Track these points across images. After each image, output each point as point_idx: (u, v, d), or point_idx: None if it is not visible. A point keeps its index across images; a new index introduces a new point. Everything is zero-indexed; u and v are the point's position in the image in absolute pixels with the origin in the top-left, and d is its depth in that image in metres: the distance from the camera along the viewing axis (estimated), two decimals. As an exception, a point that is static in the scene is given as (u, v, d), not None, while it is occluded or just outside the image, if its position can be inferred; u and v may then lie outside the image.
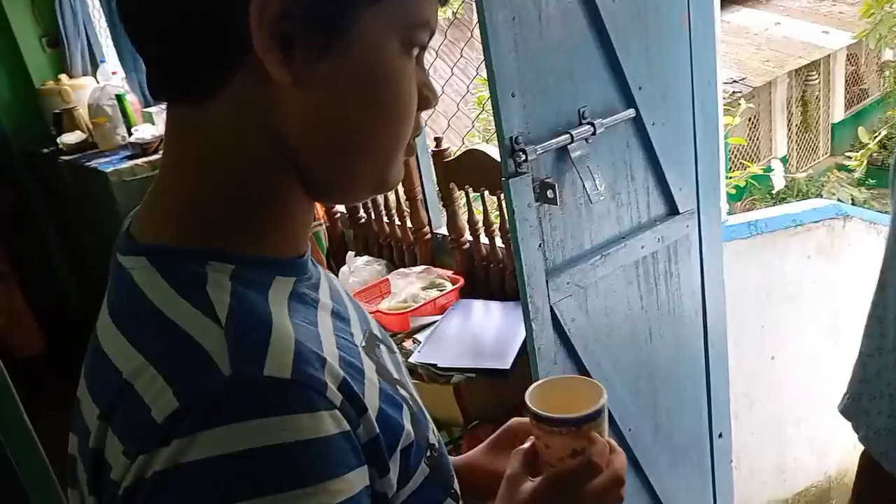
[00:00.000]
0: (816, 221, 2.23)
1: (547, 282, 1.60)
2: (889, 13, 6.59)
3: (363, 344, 0.63)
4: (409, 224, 2.72)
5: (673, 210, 1.81)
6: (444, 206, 2.56)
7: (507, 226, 2.33)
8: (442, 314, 2.43)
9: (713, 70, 1.83)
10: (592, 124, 1.55)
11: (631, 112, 1.62)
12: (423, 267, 2.66)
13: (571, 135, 1.52)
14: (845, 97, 11.23)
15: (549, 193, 1.52)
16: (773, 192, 5.07)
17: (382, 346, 0.69)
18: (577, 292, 1.67)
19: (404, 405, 0.60)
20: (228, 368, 0.47)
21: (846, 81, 11.21)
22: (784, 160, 9.66)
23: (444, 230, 2.65)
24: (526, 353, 2.09)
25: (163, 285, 0.52)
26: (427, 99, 0.59)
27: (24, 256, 3.75)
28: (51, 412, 1.63)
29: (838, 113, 11.10)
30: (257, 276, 0.55)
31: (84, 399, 0.55)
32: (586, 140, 1.56)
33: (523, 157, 1.46)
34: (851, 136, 10.32)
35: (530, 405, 0.75)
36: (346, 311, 0.66)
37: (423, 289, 2.59)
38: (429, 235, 2.71)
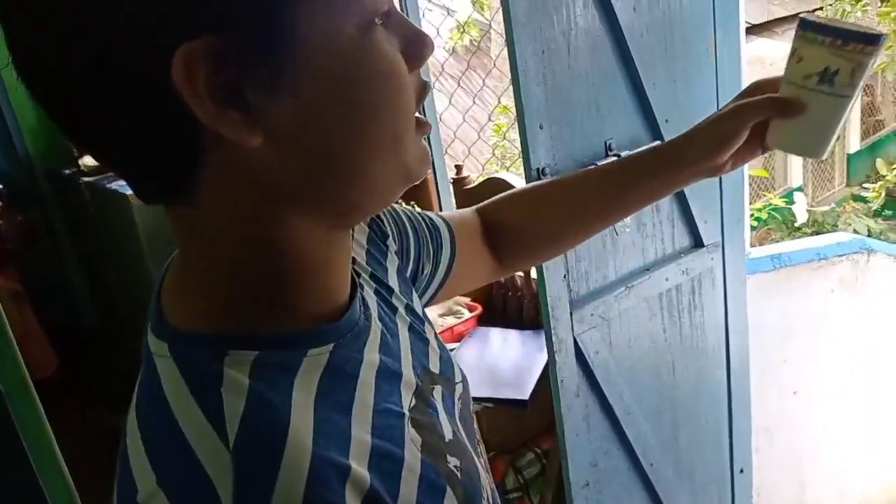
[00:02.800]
0: (840, 256, 2.21)
1: (571, 313, 1.59)
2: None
3: (412, 404, 0.58)
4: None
5: (698, 242, 1.80)
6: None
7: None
8: (459, 342, 2.42)
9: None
10: (619, 156, 1.54)
11: (657, 144, 1.62)
12: (442, 294, 2.65)
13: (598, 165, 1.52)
14: (861, 128, 11.21)
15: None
16: (797, 224, 5.04)
17: (437, 389, 0.64)
18: (601, 324, 1.66)
19: (448, 489, 0.55)
20: None
21: (862, 112, 11.19)
22: (799, 189, 9.63)
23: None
24: (544, 384, 2.08)
25: (180, 383, 0.48)
26: (416, 54, 0.51)
27: (40, 277, 3.77)
28: (63, 433, 1.63)
29: (854, 143, 11.06)
30: (285, 358, 0.51)
31: None
32: (612, 172, 1.55)
33: (550, 189, 1.46)
34: (867, 167, 10.29)
35: (804, 15, 0.70)
36: (398, 355, 0.61)
37: (441, 315, 2.59)
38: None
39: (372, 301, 0.62)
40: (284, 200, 0.49)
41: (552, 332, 1.58)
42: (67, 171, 3.46)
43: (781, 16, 10.00)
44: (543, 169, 1.46)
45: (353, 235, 0.62)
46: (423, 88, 0.53)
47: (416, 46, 0.51)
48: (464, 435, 0.65)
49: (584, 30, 1.46)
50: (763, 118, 0.73)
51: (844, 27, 0.66)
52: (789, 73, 0.69)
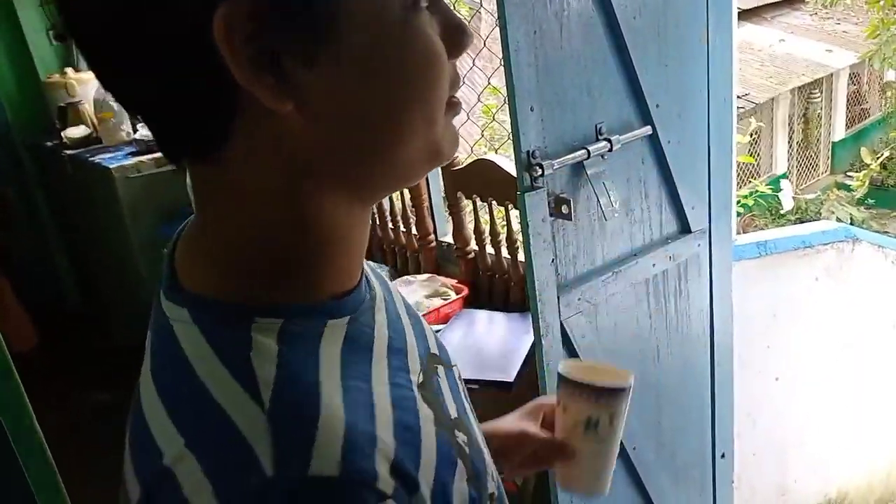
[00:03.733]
0: (825, 244, 2.22)
1: (558, 297, 1.59)
2: (895, 35, 6.60)
3: (420, 381, 0.59)
4: (413, 231, 2.70)
5: (685, 228, 1.80)
6: (450, 214, 2.54)
7: (516, 238, 2.33)
8: (445, 323, 2.42)
9: (730, 88, 1.82)
10: (609, 140, 1.53)
11: (647, 129, 1.61)
12: (427, 275, 2.64)
13: (588, 150, 1.51)
14: (846, 116, 11.27)
15: (564, 209, 1.51)
16: (782, 211, 5.07)
17: (440, 369, 0.65)
18: (588, 309, 1.65)
19: (459, 461, 0.56)
20: (271, 468, 0.43)
21: (848, 100, 11.24)
22: (784, 176, 9.68)
23: (448, 238, 2.64)
24: (529, 367, 2.08)
25: (205, 349, 0.48)
26: (457, 43, 0.51)
27: (22, 254, 3.72)
28: (40, 407, 1.61)
29: (839, 131, 11.13)
30: (308, 327, 0.51)
31: (129, 473, 0.51)
32: (602, 156, 1.55)
33: (539, 172, 1.45)
34: (852, 155, 10.36)
35: (561, 370, 0.79)
36: (403, 334, 0.61)
37: (427, 297, 2.58)
38: (434, 243, 2.69)
39: (374, 282, 0.63)
40: (311, 171, 0.49)
41: (539, 316, 1.58)
42: (49, 144, 3.41)
43: (771, 2, 10.01)
44: (534, 151, 1.44)
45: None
46: (456, 78, 0.53)
47: (457, 35, 0.51)
48: (468, 411, 0.66)
49: (576, 11, 1.44)
50: (542, 456, 0.84)
51: (596, 383, 0.76)
52: (561, 421, 0.79)
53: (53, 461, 1.60)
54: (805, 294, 2.29)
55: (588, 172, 1.53)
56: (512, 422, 0.85)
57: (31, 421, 1.56)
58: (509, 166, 2.26)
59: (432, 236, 2.67)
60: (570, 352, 1.65)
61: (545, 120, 1.45)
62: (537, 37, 1.39)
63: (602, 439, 0.78)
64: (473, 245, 2.50)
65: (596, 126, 1.54)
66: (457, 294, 2.53)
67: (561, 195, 1.51)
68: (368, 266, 0.66)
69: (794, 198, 5.47)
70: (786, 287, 2.26)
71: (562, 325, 1.61)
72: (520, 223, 1.53)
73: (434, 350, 0.67)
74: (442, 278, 2.61)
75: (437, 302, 2.52)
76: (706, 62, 1.71)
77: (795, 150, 10.65)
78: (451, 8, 0.51)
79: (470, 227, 2.48)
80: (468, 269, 2.53)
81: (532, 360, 2.00)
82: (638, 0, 1.52)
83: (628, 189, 1.65)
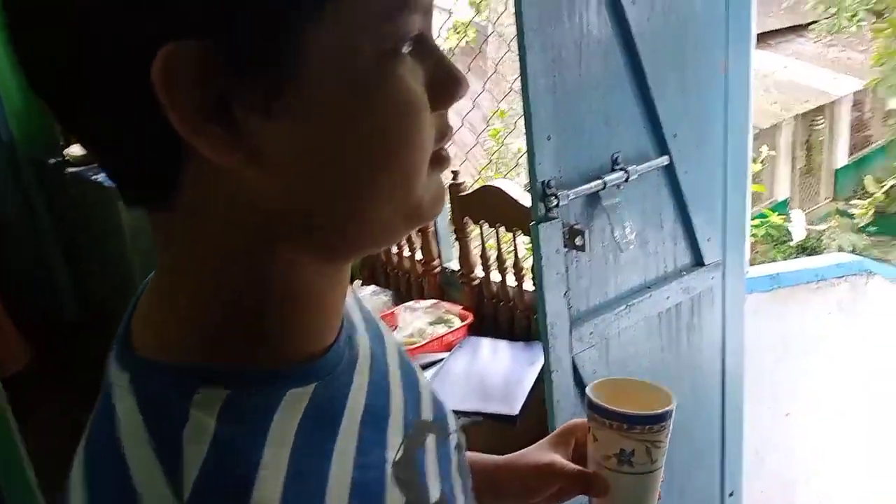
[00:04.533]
0: (839, 277, 2.18)
1: (570, 331, 1.54)
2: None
3: (398, 457, 0.52)
4: (418, 256, 2.66)
5: (699, 261, 1.76)
6: (456, 239, 2.50)
7: (522, 265, 2.29)
8: (449, 351, 2.37)
9: (747, 118, 1.79)
10: (626, 170, 1.50)
11: (665, 159, 1.58)
12: (431, 301, 2.60)
13: (604, 181, 1.47)
14: (849, 143, 11.28)
15: (578, 240, 1.47)
16: (792, 243, 5.04)
17: (430, 438, 0.58)
18: (600, 343, 1.61)
19: None
20: None
21: (850, 128, 11.26)
22: (785, 203, 9.67)
23: (454, 264, 2.59)
24: (534, 399, 2.03)
25: (137, 423, 0.42)
26: (446, 93, 0.45)
27: (21, 267, 3.68)
28: (36, 431, 1.56)
29: (841, 158, 11.13)
30: (263, 397, 0.45)
31: None
32: (618, 186, 1.51)
33: (554, 202, 1.41)
34: (854, 182, 10.36)
35: (589, 393, 0.71)
36: (387, 399, 0.55)
37: (431, 324, 2.53)
38: (438, 269, 2.65)
39: (364, 340, 0.56)
40: (272, 228, 0.44)
41: (550, 350, 1.53)
42: (52, 161, 3.38)
43: (776, 28, 10.05)
44: (549, 181, 1.41)
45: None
46: (445, 131, 0.47)
47: (446, 84, 0.45)
48: (457, 492, 0.59)
49: (595, 38, 1.41)
50: (571, 491, 0.75)
51: (627, 413, 0.67)
52: (592, 451, 0.71)
53: (34, 477, 1.55)
54: (818, 328, 2.24)
55: (603, 203, 1.50)
56: (539, 452, 0.76)
57: (12, 438, 1.51)
58: (517, 192, 2.23)
59: (437, 262, 2.63)
60: (580, 387, 1.60)
61: (561, 149, 1.42)
62: (556, 64, 1.36)
63: (639, 472, 0.70)
64: (479, 272, 2.46)
65: (612, 156, 1.51)
66: (461, 321, 2.49)
67: (575, 226, 1.47)
68: (362, 314, 0.61)
69: (807, 229, 5.44)
70: (798, 321, 2.22)
71: (573, 359, 1.57)
72: (531, 253, 1.49)
73: (427, 416, 0.60)
74: (446, 304, 2.56)
75: (442, 329, 2.48)
76: (724, 91, 1.68)
77: (797, 176, 10.65)
78: (442, 52, 0.46)
79: (476, 252, 2.44)
80: (473, 295, 2.49)
81: (538, 392, 1.95)
82: (658, 26, 1.49)
83: (643, 220, 1.61)
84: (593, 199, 1.50)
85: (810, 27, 9.73)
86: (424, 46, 0.44)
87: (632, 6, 1.43)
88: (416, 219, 0.48)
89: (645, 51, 1.48)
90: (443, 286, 2.67)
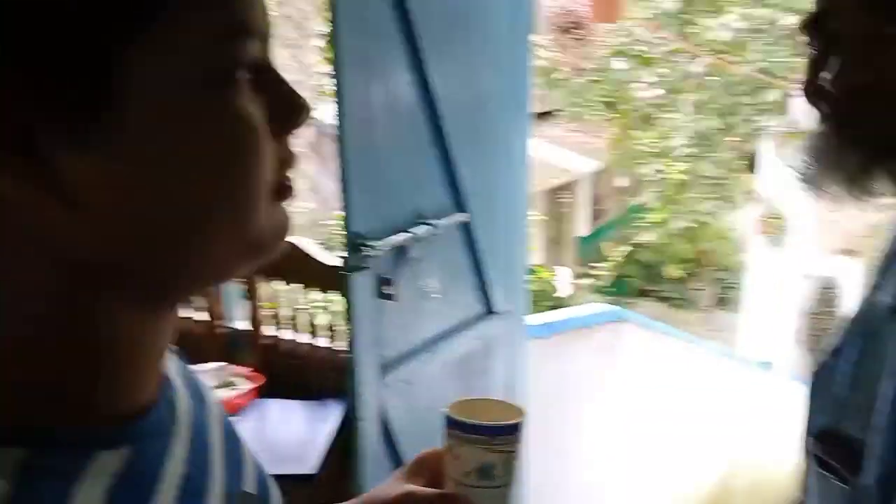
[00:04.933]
0: (600, 323, 2.47)
1: (378, 379, 1.59)
2: (631, 145, 7.70)
3: None
4: (202, 315, 2.55)
5: (491, 310, 1.91)
6: (247, 297, 2.45)
7: (319, 323, 2.30)
8: (236, 415, 2.29)
9: (525, 183, 2.01)
10: (430, 225, 1.61)
11: (464, 215, 1.72)
12: (217, 364, 2.49)
13: (411, 233, 1.57)
14: (589, 215, 12.75)
15: (389, 290, 1.54)
16: (561, 297, 5.61)
17: None
18: (406, 390, 1.68)
19: None
20: None
21: (591, 202, 12.75)
22: (539, 267, 10.62)
23: (241, 324, 2.53)
24: (334, 455, 2.03)
25: None
26: (288, 119, 0.43)
27: None
28: None
29: (583, 228, 12.53)
30: (65, 461, 0.40)
31: None
32: (423, 239, 1.61)
33: (366, 253, 1.47)
34: (594, 250, 11.67)
35: (448, 412, 0.70)
36: (207, 470, 0.51)
37: (216, 388, 2.43)
38: (224, 328, 2.56)
39: (184, 402, 0.52)
40: (86, 270, 0.39)
41: (359, 398, 1.57)
42: None
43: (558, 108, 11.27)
44: (361, 233, 1.47)
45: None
46: (288, 159, 0.44)
47: (286, 110, 0.43)
48: None
49: (406, 106, 1.53)
50: None
51: (491, 424, 0.68)
52: (450, 469, 0.70)
53: None
54: (584, 369, 2.51)
55: (411, 255, 1.59)
56: (394, 485, 0.72)
57: None
58: (312, 249, 2.26)
59: (222, 321, 2.55)
60: (387, 435, 1.65)
61: (372, 203, 1.50)
62: (369, 126, 1.45)
63: (499, 485, 0.70)
64: (270, 330, 2.42)
65: (417, 212, 1.62)
66: (250, 383, 2.42)
67: (385, 276, 1.54)
68: (183, 372, 0.56)
69: (572, 284, 6.10)
70: (568, 364, 2.47)
71: (381, 407, 1.62)
72: (327, 309, 1.53)
73: (250, 488, 0.56)
74: (234, 367, 2.48)
75: (228, 393, 2.39)
76: (512, 159, 1.88)
77: (547, 242, 11.80)
78: (283, 77, 0.43)
79: (265, 310, 2.41)
80: (263, 356, 2.44)
81: (337, 447, 1.96)
82: (457, 100, 1.65)
83: (445, 272, 1.73)
84: (401, 251, 1.58)
85: (557, 113, 11.01)
86: (264, 72, 0.42)
87: (436, 79, 1.57)
88: (257, 254, 0.44)
89: (448, 118, 1.62)
90: (229, 347, 2.57)
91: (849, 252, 8.21)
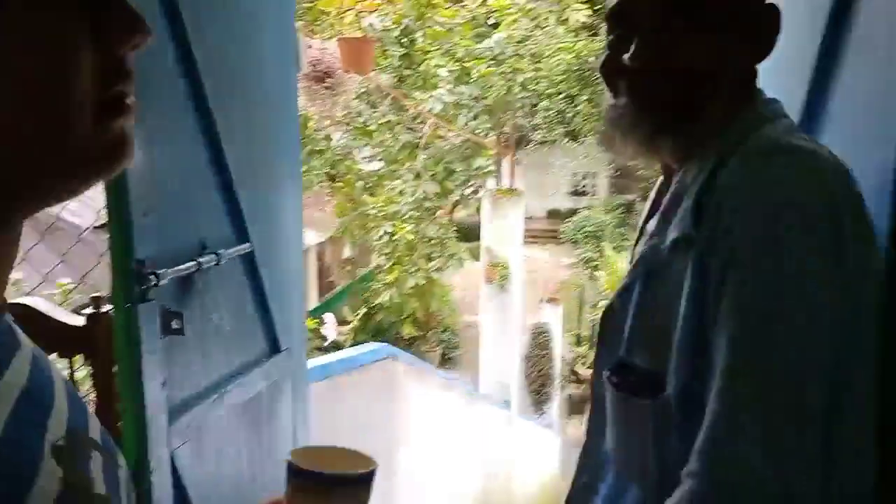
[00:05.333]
0: (375, 362, 2.50)
1: (167, 425, 1.45)
2: (357, 213, 7.95)
3: (59, 442, 0.47)
4: None
5: (276, 349, 1.85)
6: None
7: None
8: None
9: (300, 219, 2.01)
10: (217, 254, 1.53)
11: (247, 246, 1.66)
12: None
13: (199, 262, 1.48)
14: (318, 286, 12.78)
15: (176, 324, 1.42)
16: (326, 343, 5.47)
17: (97, 456, 0.52)
18: (195, 436, 1.54)
19: None
20: None
21: (318, 274, 12.81)
22: (316, 310, 10.35)
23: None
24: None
25: None
26: (116, 35, 0.42)
27: None
28: None
29: (312, 301, 12.53)
30: None
31: None
32: (209, 271, 1.52)
33: (151, 283, 1.35)
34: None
35: (292, 459, 0.69)
36: (51, 395, 0.49)
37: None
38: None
39: (28, 349, 0.50)
40: None
41: (147, 448, 1.41)
42: None
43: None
44: (144, 261, 1.35)
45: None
46: (118, 73, 0.43)
47: (119, 25, 0.43)
48: None
49: (188, 134, 1.47)
50: None
51: (339, 473, 0.68)
52: None
53: None
54: (364, 407, 2.51)
55: (198, 286, 1.49)
56: None
57: None
58: (46, 307, 1.99)
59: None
60: (179, 486, 1.50)
61: (157, 229, 1.39)
62: (150, 146, 1.35)
63: None
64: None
65: (200, 240, 1.53)
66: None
67: (171, 310, 1.43)
68: (35, 348, 0.53)
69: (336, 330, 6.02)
70: (350, 403, 2.45)
71: (171, 455, 1.47)
72: (124, 341, 1.38)
73: (95, 436, 0.54)
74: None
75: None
76: (287, 195, 1.88)
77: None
78: None
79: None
80: None
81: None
82: (241, 132, 1.61)
83: (232, 306, 1.65)
84: (188, 281, 1.48)
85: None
86: None
87: (215, 107, 1.53)
88: (86, 171, 0.44)
89: (229, 148, 1.58)
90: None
91: (553, 300, 9.27)
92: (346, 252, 13.44)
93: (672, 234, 0.87)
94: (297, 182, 1.96)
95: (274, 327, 1.82)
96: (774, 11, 0.87)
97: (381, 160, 8.15)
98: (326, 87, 2.42)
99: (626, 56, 0.88)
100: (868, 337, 0.75)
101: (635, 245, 1.06)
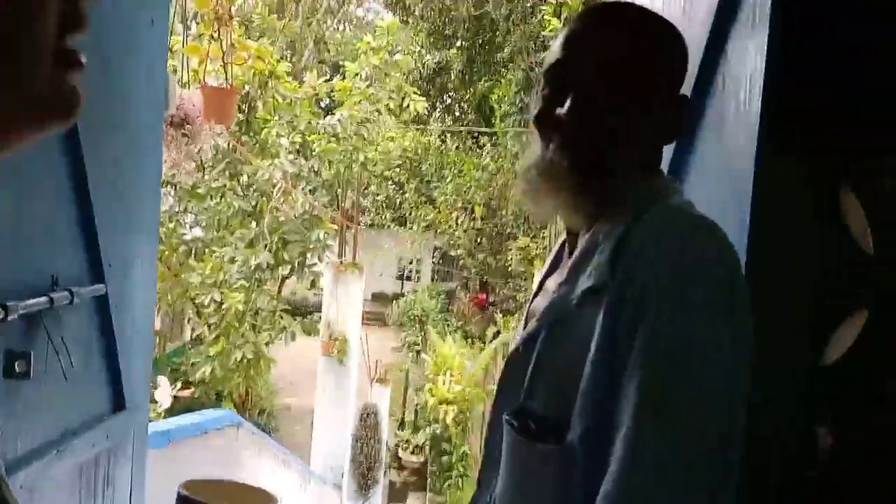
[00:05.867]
0: (219, 429, 2.34)
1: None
2: (180, 280, 7.50)
3: None
4: None
5: (121, 404, 1.68)
6: None
7: None
8: None
9: (154, 273, 1.88)
10: (70, 292, 1.39)
11: (101, 288, 1.52)
12: None
13: (50, 298, 1.33)
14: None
15: (21, 366, 1.26)
16: (160, 409, 4.94)
17: None
18: (27, 499, 1.35)
19: None
20: None
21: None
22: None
23: None
24: None
25: None
26: None
27: None
28: None
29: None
30: None
31: None
32: (59, 310, 1.38)
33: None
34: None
35: (182, 490, 0.66)
36: None
37: None
38: None
39: None
40: None
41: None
42: None
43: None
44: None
45: None
46: (73, 21, 0.42)
47: None
48: None
49: (45, 166, 1.35)
50: None
51: None
52: None
53: None
54: (205, 474, 2.33)
55: (47, 326, 1.34)
56: None
57: None
58: None
59: None
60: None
61: (7, 259, 1.24)
62: (8, 176, 1.22)
63: None
64: None
65: (52, 276, 1.38)
66: None
67: (17, 351, 1.27)
68: None
69: (172, 396, 5.44)
70: (189, 470, 2.25)
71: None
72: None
73: None
74: None
75: None
76: (144, 239, 1.76)
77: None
78: None
79: None
80: None
81: None
82: (106, 168, 1.51)
83: (81, 352, 1.49)
84: (36, 320, 1.32)
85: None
86: None
87: (83, 139, 1.42)
88: (41, 119, 0.42)
89: (94, 184, 1.46)
90: None
91: (382, 381, 9.21)
92: (157, 323, 12.59)
93: (584, 284, 0.91)
94: (153, 228, 1.85)
95: (121, 380, 1.66)
96: (687, 102, 0.96)
97: (205, 226, 7.83)
98: (183, 134, 2.33)
99: (560, 110, 0.93)
100: (747, 390, 0.82)
101: (532, 301, 1.08)
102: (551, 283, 1.02)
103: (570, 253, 1.00)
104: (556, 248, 1.09)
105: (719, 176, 1.21)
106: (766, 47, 1.09)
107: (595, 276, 0.89)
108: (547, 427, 0.91)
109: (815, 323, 1.14)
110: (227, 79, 2.73)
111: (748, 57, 1.14)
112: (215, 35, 2.81)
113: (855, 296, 1.12)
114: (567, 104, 0.92)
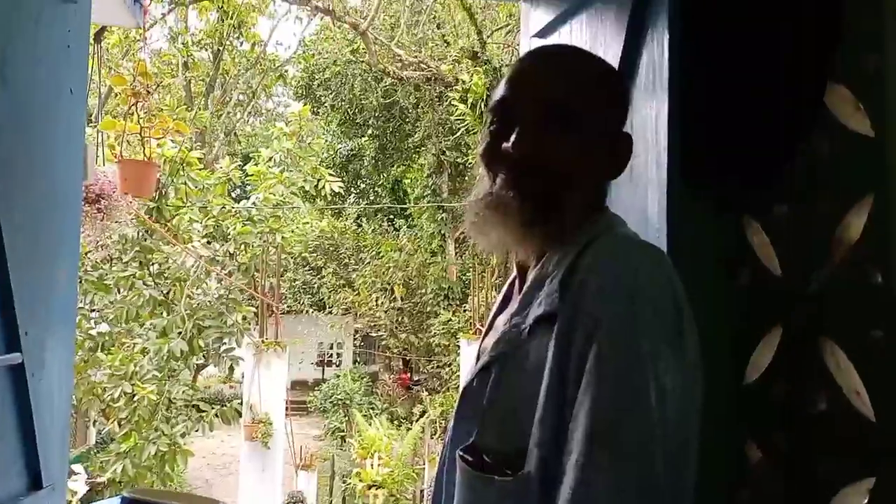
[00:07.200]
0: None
1: None
2: (82, 379, 7.09)
3: None
4: None
5: (38, 483, 1.57)
6: None
7: None
8: None
9: (73, 345, 1.80)
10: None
11: (18, 356, 1.45)
12: None
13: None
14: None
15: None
16: (76, 499, 4.48)
17: None
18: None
19: None
20: None
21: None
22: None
23: None
24: None
25: None
26: None
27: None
28: None
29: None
30: None
31: None
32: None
33: None
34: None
35: (125, 493, 0.64)
36: None
37: None
38: None
39: None
40: None
41: None
42: None
43: None
44: None
45: None
46: None
47: None
48: None
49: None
50: None
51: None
52: None
53: None
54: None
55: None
56: None
57: None
58: None
59: None
60: None
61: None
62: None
63: None
64: None
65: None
66: None
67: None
68: None
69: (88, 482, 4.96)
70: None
71: None
72: None
73: None
74: None
75: None
76: (66, 310, 1.69)
77: None
78: None
79: None
80: None
81: None
82: (23, 232, 1.47)
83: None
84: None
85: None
86: None
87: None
88: None
89: (11, 250, 1.42)
90: None
91: (308, 467, 8.87)
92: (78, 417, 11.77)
93: (535, 312, 0.92)
94: (72, 297, 1.78)
95: (38, 457, 1.56)
96: (629, 140, 1.01)
97: (112, 319, 7.50)
98: (98, 210, 2.26)
99: (506, 144, 0.97)
100: (697, 414, 0.85)
101: (483, 338, 1.09)
102: (501, 320, 1.03)
103: (521, 289, 1.01)
104: (506, 286, 1.11)
105: (636, 213, 1.28)
106: (666, 106, 1.19)
107: (546, 303, 0.91)
108: (503, 459, 0.91)
109: (735, 345, 1.21)
110: (144, 152, 2.70)
111: (650, 112, 1.25)
112: (133, 109, 2.80)
113: (769, 315, 1.19)
114: (512, 138, 0.95)
